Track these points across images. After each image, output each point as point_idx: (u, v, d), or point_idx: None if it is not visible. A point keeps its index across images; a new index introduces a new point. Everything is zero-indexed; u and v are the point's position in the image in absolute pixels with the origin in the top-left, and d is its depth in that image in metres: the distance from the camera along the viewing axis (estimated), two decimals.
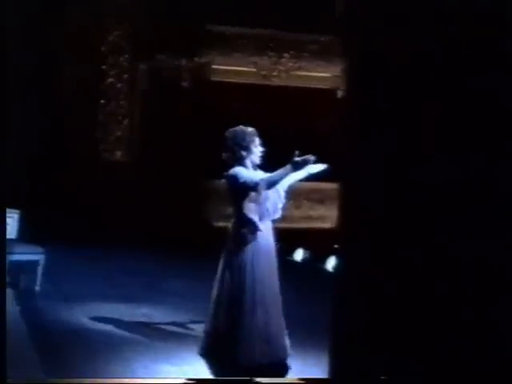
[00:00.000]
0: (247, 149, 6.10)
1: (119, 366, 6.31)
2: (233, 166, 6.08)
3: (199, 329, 6.47)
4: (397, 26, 3.95)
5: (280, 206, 6.19)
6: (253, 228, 6.05)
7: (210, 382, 6.08)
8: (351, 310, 4.10)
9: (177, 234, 12.39)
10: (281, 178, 5.94)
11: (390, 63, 3.94)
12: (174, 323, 7.75)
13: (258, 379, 5.42)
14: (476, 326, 3.72)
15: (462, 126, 3.74)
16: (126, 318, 7.81)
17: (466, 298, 3.75)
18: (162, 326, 7.65)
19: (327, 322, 4.46)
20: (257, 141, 6.16)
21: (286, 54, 14.91)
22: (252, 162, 6.14)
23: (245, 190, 5.98)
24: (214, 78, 14.51)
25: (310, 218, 14.55)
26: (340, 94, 14.63)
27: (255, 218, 6.08)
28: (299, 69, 15.01)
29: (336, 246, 4.41)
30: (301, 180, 6.35)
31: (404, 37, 3.90)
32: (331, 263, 10.62)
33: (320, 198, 14.75)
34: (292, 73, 14.96)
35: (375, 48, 3.99)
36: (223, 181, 6.23)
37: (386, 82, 3.96)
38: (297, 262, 11.15)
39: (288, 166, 5.83)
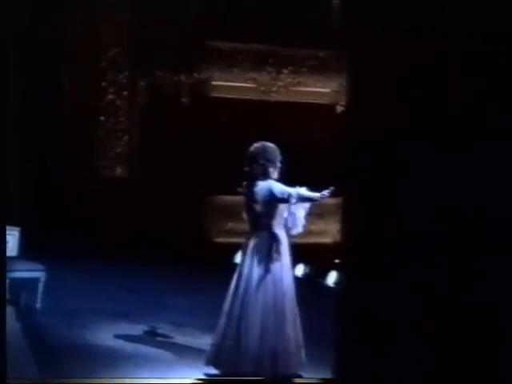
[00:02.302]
0: (275, 165, 6.36)
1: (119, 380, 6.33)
2: (256, 179, 6.30)
3: (199, 343, 6.49)
4: (398, 37, 3.96)
5: (302, 222, 6.38)
6: (279, 243, 6.25)
7: (219, 382, 6.15)
8: (355, 323, 4.11)
9: (177, 250, 12.39)
10: (309, 198, 6.27)
11: (392, 76, 3.96)
12: (173, 338, 7.74)
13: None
14: (476, 333, 3.74)
15: (465, 138, 3.76)
16: (127, 334, 7.80)
17: (465, 305, 3.77)
18: (162, 341, 7.64)
19: (328, 337, 4.46)
20: (279, 156, 6.42)
21: (285, 70, 14.94)
22: (275, 175, 6.38)
23: (278, 202, 6.24)
24: (214, 94, 14.54)
25: (310, 233, 14.52)
26: (339, 109, 14.67)
27: (282, 231, 6.26)
28: (298, 84, 15.04)
29: (337, 260, 4.44)
30: None
31: (405, 49, 3.92)
32: (332, 278, 10.61)
33: (320, 213, 14.73)
34: (291, 88, 14.99)
35: (377, 62, 4.01)
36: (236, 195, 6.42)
37: (388, 96, 3.97)
38: (297, 278, 11.13)
39: (317, 195, 6.20)
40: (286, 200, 6.21)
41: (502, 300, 3.72)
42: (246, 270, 6.23)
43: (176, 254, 12.07)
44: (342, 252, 4.33)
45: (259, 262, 6.21)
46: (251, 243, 6.30)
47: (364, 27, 4.13)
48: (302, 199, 6.23)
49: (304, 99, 14.91)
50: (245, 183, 6.43)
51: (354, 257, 4.12)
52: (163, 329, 8.05)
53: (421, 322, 3.86)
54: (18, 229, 8.77)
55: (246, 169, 6.38)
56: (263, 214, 6.29)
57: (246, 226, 6.58)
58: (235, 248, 6.89)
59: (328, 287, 10.57)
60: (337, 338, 4.22)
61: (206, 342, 7.17)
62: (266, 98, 14.85)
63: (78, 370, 6.49)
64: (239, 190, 6.46)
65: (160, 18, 14.06)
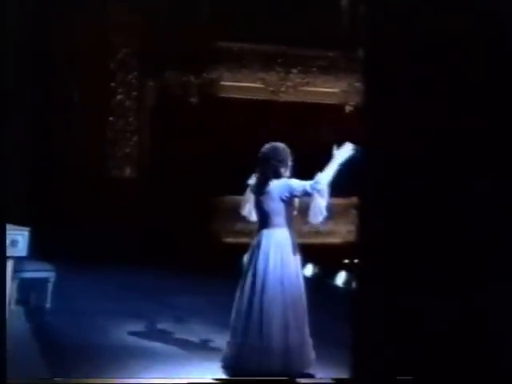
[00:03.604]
0: (286, 165, 6.40)
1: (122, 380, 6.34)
2: (268, 179, 6.32)
3: (204, 343, 6.50)
4: (413, 40, 3.96)
5: (322, 211, 6.37)
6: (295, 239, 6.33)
7: (232, 382, 6.17)
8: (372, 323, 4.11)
9: (186, 250, 12.40)
10: (333, 173, 6.32)
11: (406, 76, 3.96)
12: (180, 337, 7.75)
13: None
14: (489, 333, 3.75)
15: (480, 145, 3.75)
16: (137, 333, 7.82)
17: (480, 306, 3.77)
18: (169, 341, 7.65)
19: (338, 337, 4.47)
20: (290, 155, 6.46)
21: (293, 70, 14.94)
22: (287, 174, 6.42)
23: (300, 197, 6.32)
24: (223, 95, 14.55)
25: (319, 233, 14.54)
26: (348, 109, 14.67)
27: (293, 228, 6.36)
28: (307, 84, 15.03)
29: (346, 260, 4.44)
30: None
31: (420, 51, 3.92)
32: (341, 278, 10.62)
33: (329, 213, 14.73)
34: (300, 88, 14.99)
35: (391, 62, 4.01)
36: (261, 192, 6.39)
37: (401, 97, 3.97)
38: (306, 278, 11.13)
39: (334, 161, 6.31)
40: (309, 193, 6.22)
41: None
42: (261, 267, 6.23)
43: (185, 254, 12.09)
44: (355, 252, 4.33)
45: (275, 258, 6.23)
46: (263, 241, 6.31)
47: (374, 27, 4.13)
48: (330, 181, 6.26)
49: (313, 99, 14.91)
50: (255, 181, 6.44)
51: (368, 257, 4.12)
52: (174, 328, 8.06)
53: (436, 323, 3.85)
54: (27, 229, 8.77)
55: (258, 170, 6.41)
56: (278, 211, 6.30)
57: (255, 226, 6.58)
58: (244, 248, 6.89)
59: (337, 287, 10.57)
60: (353, 339, 4.21)
61: (215, 342, 7.22)
62: (274, 98, 14.85)
63: (87, 370, 6.50)
64: (249, 184, 6.50)
65: (169, 19, 14.09)
